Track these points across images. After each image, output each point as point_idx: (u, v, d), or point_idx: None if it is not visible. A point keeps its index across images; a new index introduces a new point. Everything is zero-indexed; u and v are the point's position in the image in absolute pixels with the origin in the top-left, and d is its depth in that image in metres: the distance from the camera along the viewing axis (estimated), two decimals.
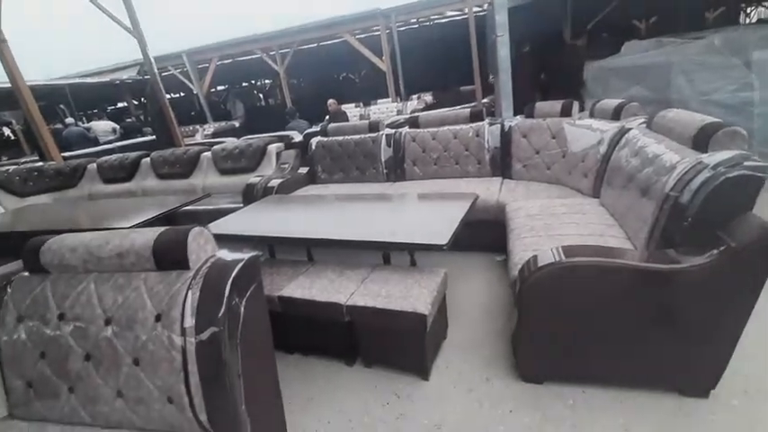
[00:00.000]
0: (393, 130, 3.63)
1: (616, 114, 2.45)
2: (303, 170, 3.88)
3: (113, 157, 4.64)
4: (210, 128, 10.07)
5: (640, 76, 4.25)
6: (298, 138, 4.40)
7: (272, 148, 4.07)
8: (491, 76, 4.35)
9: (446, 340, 2.08)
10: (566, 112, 2.89)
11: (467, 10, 8.11)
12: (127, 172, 4.46)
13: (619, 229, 1.97)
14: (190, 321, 1.04)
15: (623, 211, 2.00)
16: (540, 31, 7.96)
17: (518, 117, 3.21)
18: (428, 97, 8.56)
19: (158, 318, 1.07)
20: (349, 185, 3.58)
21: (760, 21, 8.87)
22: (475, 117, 3.30)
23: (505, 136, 3.15)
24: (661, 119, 1.97)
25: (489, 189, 2.90)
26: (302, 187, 3.70)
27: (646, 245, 1.66)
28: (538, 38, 8.30)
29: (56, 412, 1.18)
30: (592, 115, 2.73)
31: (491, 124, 3.22)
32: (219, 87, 16.47)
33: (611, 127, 2.42)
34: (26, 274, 1.26)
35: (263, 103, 18.32)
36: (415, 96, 9.43)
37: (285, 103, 11.52)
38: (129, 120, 11.51)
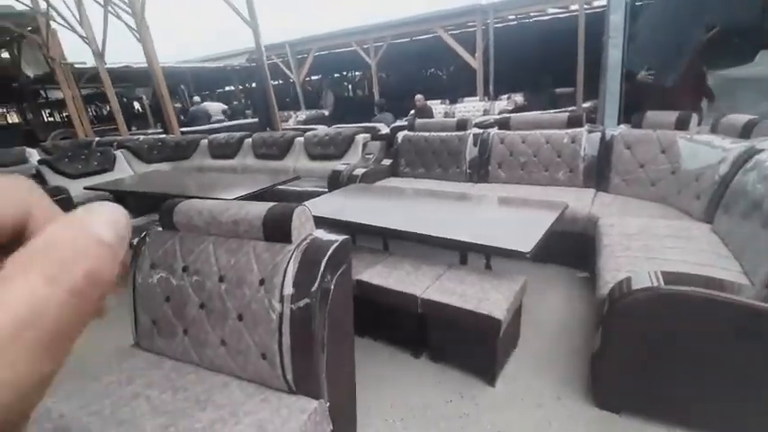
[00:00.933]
0: (481, 130, 3.56)
1: (746, 132, 2.15)
2: (386, 162, 3.98)
3: (221, 135, 5.19)
4: (303, 115, 10.73)
5: None
6: (384, 130, 4.52)
7: (360, 137, 4.24)
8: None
9: (516, 349, 2.02)
10: (681, 125, 2.60)
11: (576, 6, 7.55)
12: (231, 150, 4.96)
13: (733, 262, 1.75)
14: (289, 290, 1.16)
15: (741, 242, 1.77)
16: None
17: (622, 126, 2.96)
18: (519, 98, 8.18)
19: (262, 282, 1.21)
20: (430, 181, 3.61)
21: None
22: (573, 122, 3.11)
23: (605, 145, 2.92)
24: None
25: (581, 200, 2.73)
26: (384, 178, 3.81)
27: (766, 283, 1.45)
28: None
29: (171, 349, 1.39)
30: (714, 131, 2.42)
31: (590, 131, 3.01)
32: (314, 77, 17.40)
33: (737, 146, 2.13)
34: (160, 229, 1.50)
35: (351, 94, 18.98)
36: (504, 96, 9.08)
37: (372, 95, 11.82)
38: (234, 102, 12.72)
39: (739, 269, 1.69)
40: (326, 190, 3.50)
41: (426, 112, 7.19)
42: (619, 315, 1.46)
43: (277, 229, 1.23)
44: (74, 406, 1.18)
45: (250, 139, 4.90)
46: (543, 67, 11.23)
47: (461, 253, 2.19)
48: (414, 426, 1.63)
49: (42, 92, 12.70)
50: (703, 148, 2.35)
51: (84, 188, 3.99)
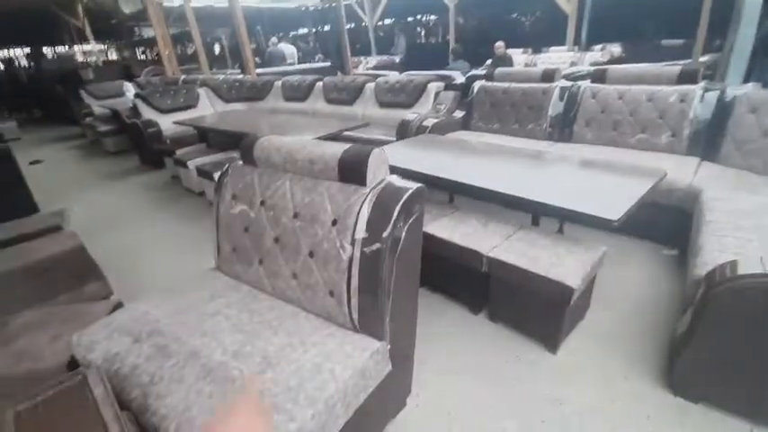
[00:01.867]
0: (570, 83, 3.20)
1: None
2: (459, 114, 3.78)
3: (294, 78, 5.23)
4: (373, 60, 10.45)
5: None
6: (459, 79, 4.25)
7: (432, 86, 4.04)
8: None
9: (582, 321, 1.92)
10: None
11: None
12: (303, 93, 5.00)
13: None
14: (361, 233, 1.16)
15: None
16: None
17: (750, 85, 2.48)
18: (616, 48, 7.19)
19: (334, 222, 1.22)
20: (505, 137, 3.37)
21: None
22: (686, 77, 2.67)
23: (723, 107, 2.49)
24: None
25: (681, 169, 2.40)
26: (455, 131, 3.63)
27: None
28: None
29: (248, 276, 1.49)
30: None
31: (707, 90, 2.57)
32: (387, 21, 16.70)
33: None
34: (240, 163, 1.55)
35: (424, 40, 18.03)
36: (598, 47, 8.05)
37: (447, 41, 11.10)
38: (304, 44, 12.67)
39: None
40: (394, 139, 3.43)
41: (506, 62, 6.63)
42: (717, 300, 1.30)
43: (352, 171, 1.22)
44: (165, 313, 1.33)
45: (321, 83, 4.89)
46: (646, 13, 9.70)
47: (534, 215, 2.05)
48: (467, 381, 1.64)
49: (136, 29, 13.59)
50: None
51: (174, 122, 4.29)
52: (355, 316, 1.21)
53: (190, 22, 7.07)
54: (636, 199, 1.66)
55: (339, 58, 6.80)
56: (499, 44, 6.70)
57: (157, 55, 9.23)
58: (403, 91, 4.17)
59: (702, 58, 5.10)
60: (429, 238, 1.96)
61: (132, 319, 1.32)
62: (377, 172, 1.22)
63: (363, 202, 1.18)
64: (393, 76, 4.74)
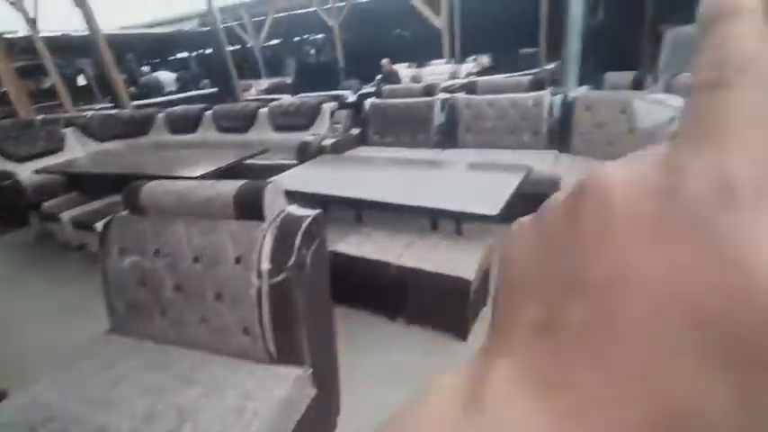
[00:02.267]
0: (448, 95, 3.57)
1: None
2: (355, 131, 3.94)
3: (179, 108, 4.93)
4: (264, 83, 10.27)
5: None
6: (351, 98, 4.43)
7: (327, 107, 4.14)
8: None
9: (485, 307, 2.15)
10: (638, 85, 2.70)
11: None
12: (191, 123, 4.74)
13: None
14: (266, 265, 1.18)
15: None
16: None
17: (583, 88, 3.05)
18: (485, 59, 8.15)
19: (238, 260, 1.22)
20: (399, 149, 3.62)
21: None
22: (535, 85, 3.17)
23: (567, 108, 3.02)
24: None
25: (544, 161, 2.84)
26: (354, 148, 3.78)
27: None
28: None
29: (150, 331, 1.39)
30: (668, 90, 2.54)
31: (553, 94, 3.09)
32: (274, 41, 16.55)
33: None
34: (125, 213, 1.45)
35: (313, 59, 18.23)
36: (470, 58, 9.01)
37: (336, 59, 11.42)
38: (184, 71, 11.96)
39: None
40: (296, 162, 3.45)
41: (394, 77, 7.07)
42: None
43: (249, 208, 1.23)
44: (58, 394, 1.19)
45: (210, 112, 4.69)
46: (509, 25, 11.16)
47: (432, 219, 2.25)
48: (391, 382, 1.73)
49: None
50: (656, 107, 2.47)
51: (34, 172, 3.74)
52: (272, 348, 1.22)
53: (41, 53, 6.24)
54: (509, 193, 1.93)
55: (226, 84, 6.57)
56: (385, 61, 7.12)
57: (4, 92, 7.92)
58: (298, 113, 4.21)
59: (549, 66, 6.05)
60: (340, 257, 2.03)
61: (20, 409, 1.15)
62: (274, 205, 1.26)
63: (265, 236, 1.21)
64: (286, 99, 4.75)
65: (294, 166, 3.07)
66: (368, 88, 4.52)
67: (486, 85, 3.42)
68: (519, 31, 10.33)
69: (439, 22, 9.25)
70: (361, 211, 2.67)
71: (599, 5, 7.28)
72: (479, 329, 1.99)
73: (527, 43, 9.07)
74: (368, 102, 3.91)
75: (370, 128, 3.88)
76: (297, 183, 2.52)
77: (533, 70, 5.85)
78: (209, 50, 13.88)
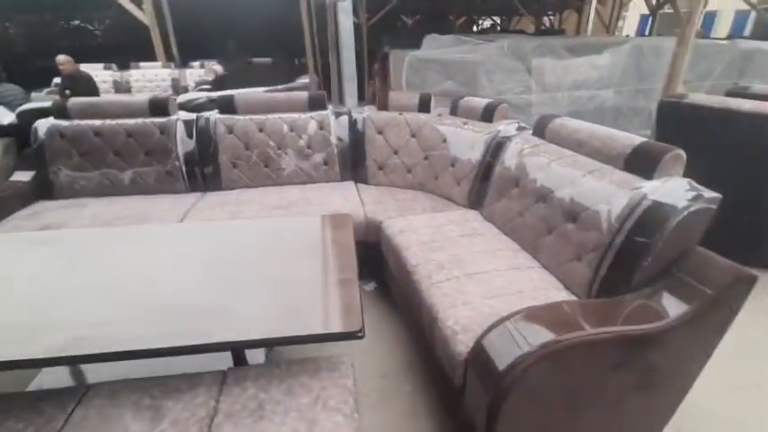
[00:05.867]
0: (194, 116, 2.45)
1: (488, 115, 2.19)
2: (24, 177, 2.24)
3: None
4: None
5: (452, 71, 4.36)
6: (7, 119, 2.56)
7: None
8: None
9: None
10: (424, 107, 2.50)
11: None
12: None
13: (528, 257, 1.69)
14: None
15: (531, 234, 1.70)
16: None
17: (368, 108, 2.64)
18: (217, 66, 6.93)
19: None
20: (124, 201, 2.25)
21: (542, 32, 10.21)
22: (315, 104, 2.53)
23: (356, 131, 2.54)
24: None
25: (348, 200, 2.27)
26: (23, 209, 2.11)
27: (588, 289, 1.39)
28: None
29: None
30: (454, 113, 2.42)
31: (337, 115, 2.54)
32: None
33: (483, 129, 2.16)
34: None
35: None
36: (196, 63, 7.59)
37: None
38: None
39: (538, 264, 1.63)
40: None
41: (82, 82, 4.95)
42: (509, 395, 1.05)
43: None
44: None
45: None
46: (230, 32, 10.19)
47: (235, 352, 1.25)
48: None
49: None
50: (459, 132, 2.29)
51: None
52: None
53: None
54: (355, 286, 1.21)
55: None
56: (63, 58, 4.86)
57: None
58: None
59: (302, 80, 5.65)
60: None
61: None
62: None
63: None
64: None
65: None
66: (40, 103, 2.72)
67: (250, 103, 2.50)
68: (242, 39, 9.55)
69: (144, 16, 7.30)
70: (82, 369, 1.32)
71: None
72: None
73: (258, 53, 8.44)
74: (42, 125, 2.27)
75: (54, 169, 2.27)
76: None
77: (300, 83, 5.27)
78: None
